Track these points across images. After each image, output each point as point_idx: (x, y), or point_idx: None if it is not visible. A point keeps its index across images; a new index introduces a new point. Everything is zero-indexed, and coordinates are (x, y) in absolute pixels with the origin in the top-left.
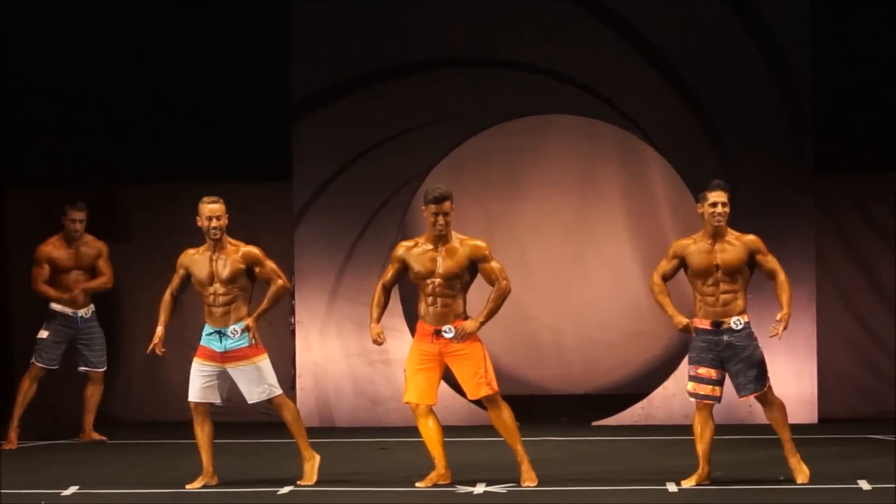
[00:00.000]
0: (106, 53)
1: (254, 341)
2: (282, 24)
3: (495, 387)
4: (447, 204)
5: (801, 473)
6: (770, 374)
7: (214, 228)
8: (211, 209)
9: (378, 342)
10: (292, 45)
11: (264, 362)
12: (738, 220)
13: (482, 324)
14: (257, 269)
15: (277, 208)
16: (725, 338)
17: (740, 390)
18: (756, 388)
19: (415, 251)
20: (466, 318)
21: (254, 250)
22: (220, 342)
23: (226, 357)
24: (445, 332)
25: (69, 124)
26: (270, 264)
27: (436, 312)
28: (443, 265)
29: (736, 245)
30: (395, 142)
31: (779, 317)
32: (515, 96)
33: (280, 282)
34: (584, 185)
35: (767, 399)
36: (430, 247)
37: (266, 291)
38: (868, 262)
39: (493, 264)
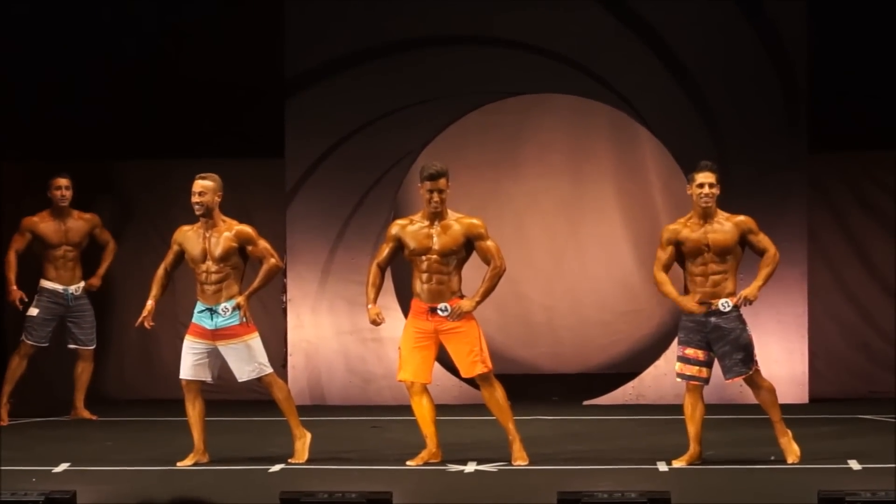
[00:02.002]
0: (101, 30)
1: (244, 319)
2: (275, 1)
3: (490, 365)
4: (442, 181)
5: (792, 453)
6: (761, 354)
7: (197, 204)
8: (197, 185)
9: (377, 322)
10: (285, 21)
11: (254, 341)
12: (732, 198)
13: (478, 303)
14: (249, 248)
15: (270, 186)
16: (713, 319)
17: (726, 373)
18: (742, 371)
19: (410, 228)
20: (462, 296)
21: (247, 229)
22: (212, 320)
23: (216, 335)
24: (441, 310)
25: (64, 101)
26: (263, 243)
27: (431, 290)
28: (439, 242)
29: (726, 226)
30: (388, 119)
31: (745, 292)
32: (510, 75)
33: (273, 261)
34: (577, 164)
35: (755, 382)
36: (426, 223)
37: (258, 270)
38: (861, 242)
39: (489, 243)
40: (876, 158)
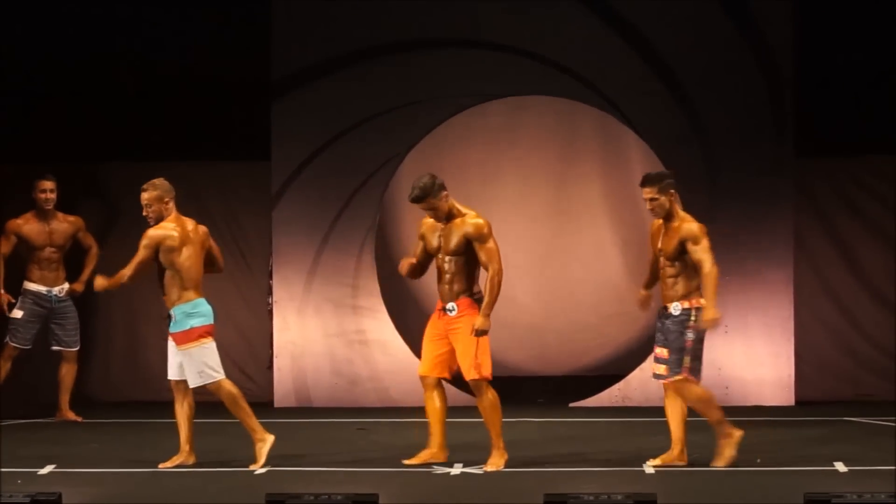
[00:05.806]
0: (88, 34)
1: (186, 328)
2: (261, 4)
3: (483, 373)
4: (426, 202)
5: (722, 458)
6: (748, 356)
7: (147, 216)
8: (141, 197)
9: (402, 266)
10: (271, 25)
11: (198, 349)
12: (719, 203)
13: (488, 315)
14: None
15: (256, 188)
16: (664, 321)
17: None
18: (668, 373)
19: (428, 226)
20: (471, 295)
21: (146, 232)
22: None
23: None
24: (449, 310)
25: (52, 104)
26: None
27: (442, 289)
28: (445, 241)
29: (673, 232)
30: (373, 122)
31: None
32: (495, 77)
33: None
34: (563, 167)
35: (680, 391)
36: (441, 224)
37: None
38: (847, 246)
39: (489, 245)
40: (862, 163)
